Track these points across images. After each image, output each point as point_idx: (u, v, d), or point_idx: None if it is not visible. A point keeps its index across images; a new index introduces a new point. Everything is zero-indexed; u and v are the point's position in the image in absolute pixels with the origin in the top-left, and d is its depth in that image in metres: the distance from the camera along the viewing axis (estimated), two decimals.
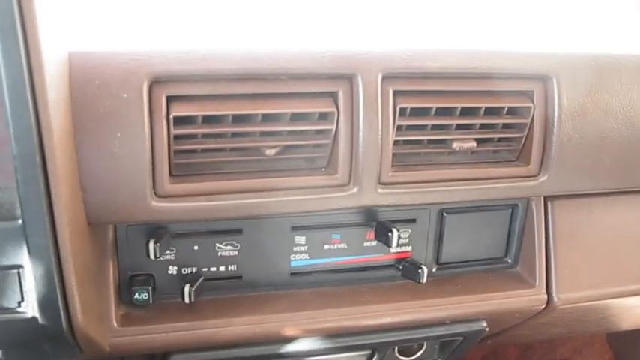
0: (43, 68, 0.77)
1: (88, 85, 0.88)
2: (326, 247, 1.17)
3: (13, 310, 0.91)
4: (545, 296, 1.27)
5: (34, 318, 0.91)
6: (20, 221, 0.84)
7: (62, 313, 0.92)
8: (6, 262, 0.87)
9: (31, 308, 0.91)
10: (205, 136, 0.97)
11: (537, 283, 1.27)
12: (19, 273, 0.88)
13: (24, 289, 0.89)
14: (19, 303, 0.90)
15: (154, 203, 0.95)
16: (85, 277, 0.95)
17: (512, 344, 2.40)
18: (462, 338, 1.31)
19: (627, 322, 1.61)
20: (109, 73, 0.88)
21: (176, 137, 0.95)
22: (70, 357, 1.05)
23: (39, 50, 0.76)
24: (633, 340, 2.22)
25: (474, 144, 1.09)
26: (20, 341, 0.96)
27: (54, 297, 0.90)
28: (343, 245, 1.18)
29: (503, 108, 1.10)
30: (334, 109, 0.99)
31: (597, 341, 2.40)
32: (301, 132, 1.01)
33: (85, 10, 1.00)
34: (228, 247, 1.12)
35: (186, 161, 0.98)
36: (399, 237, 1.13)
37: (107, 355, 1.09)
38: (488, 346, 2.42)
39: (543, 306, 1.28)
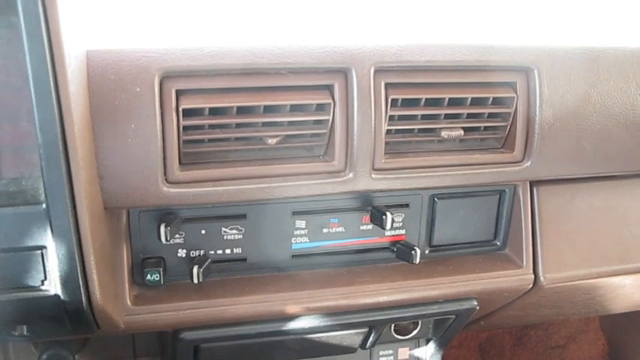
0: (64, 64, 0.83)
1: (104, 80, 0.94)
2: (325, 230, 1.22)
3: (36, 289, 0.97)
4: (532, 276, 1.33)
5: (56, 295, 0.97)
6: (44, 205, 0.90)
7: (82, 291, 0.98)
8: (31, 243, 0.93)
9: (53, 286, 0.97)
10: (212, 126, 1.03)
11: (525, 264, 1.32)
12: (42, 253, 0.94)
13: (47, 268, 0.95)
14: (42, 282, 0.96)
15: (164, 189, 1.01)
16: (102, 259, 1.01)
17: (507, 330, 2.45)
18: (454, 317, 1.36)
19: (615, 305, 1.65)
20: (124, 69, 0.95)
21: (185, 128, 1.01)
22: (88, 333, 1.10)
23: (61, 48, 0.83)
24: (626, 326, 2.26)
25: (462, 132, 1.15)
26: (42, 317, 1.02)
27: (74, 276, 0.96)
28: (341, 229, 1.23)
29: (488, 98, 1.15)
30: (330, 101, 1.05)
31: (591, 328, 2.43)
32: (300, 122, 1.07)
33: (102, 10, 1.06)
34: (234, 231, 1.17)
35: (194, 150, 1.04)
36: (393, 220, 1.19)
37: (121, 332, 1.15)
38: (485, 334, 2.47)
39: (530, 285, 1.34)
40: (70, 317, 1.03)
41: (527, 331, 2.47)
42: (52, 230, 0.92)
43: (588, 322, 2.43)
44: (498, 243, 1.36)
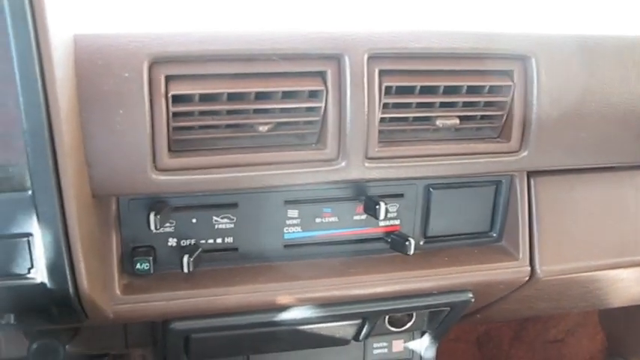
0: (50, 49, 0.82)
1: (92, 66, 0.93)
2: (317, 220, 1.21)
3: (23, 277, 0.96)
4: (529, 268, 1.32)
5: (42, 284, 0.96)
6: (30, 192, 0.89)
7: (69, 279, 0.97)
8: (17, 230, 0.92)
9: (40, 274, 0.96)
10: (202, 113, 1.02)
11: (521, 256, 1.31)
12: (28, 241, 0.93)
13: (33, 256, 0.94)
14: (29, 270, 0.95)
15: (153, 176, 1.00)
16: (90, 247, 1.00)
17: (505, 324, 2.44)
18: (448, 309, 1.35)
19: (613, 298, 1.65)
20: (112, 54, 0.93)
21: (174, 114, 1.00)
22: (76, 322, 1.10)
23: (46, 32, 0.81)
24: (625, 321, 2.26)
25: (457, 121, 1.13)
26: (30, 306, 1.01)
27: (61, 264, 0.95)
28: (334, 219, 1.22)
29: (484, 87, 1.14)
30: (323, 88, 1.04)
31: (590, 322, 2.43)
32: (292, 109, 1.05)
33: None
34: (225, 220, 1.16)
35: (184, 137, 1.03)
36: (387, 210, 1.18)
37: (110, 322, 1.14)
38: (483, 328, 2.47)
39: (527, 278, 1.32)
40: (57, 306, 1.02)
41: (526, 325, 2.46)
42: (38, 217, 0.91)
43: (587, 316, 2.42)
44: (494, 234, 1.34)
